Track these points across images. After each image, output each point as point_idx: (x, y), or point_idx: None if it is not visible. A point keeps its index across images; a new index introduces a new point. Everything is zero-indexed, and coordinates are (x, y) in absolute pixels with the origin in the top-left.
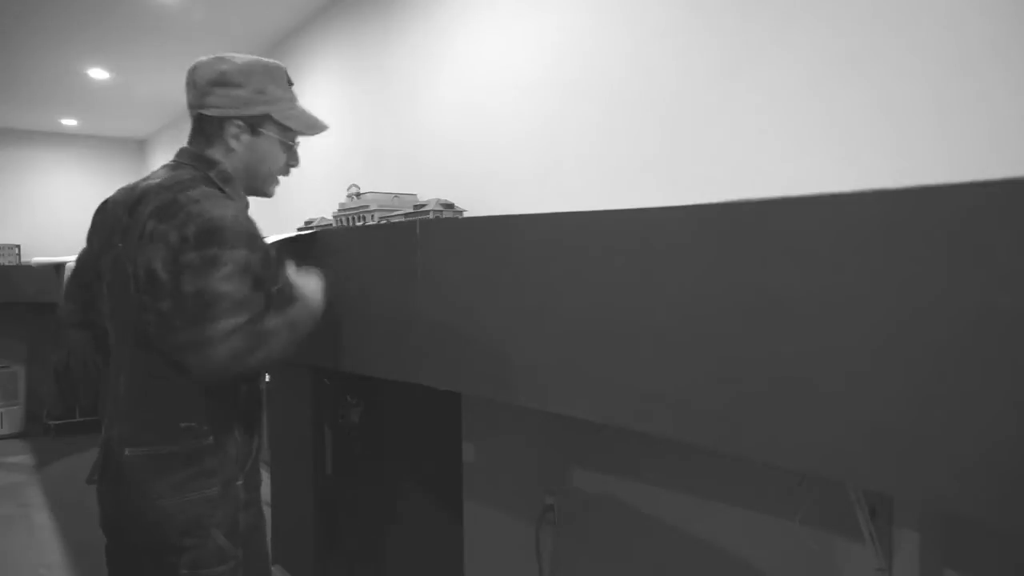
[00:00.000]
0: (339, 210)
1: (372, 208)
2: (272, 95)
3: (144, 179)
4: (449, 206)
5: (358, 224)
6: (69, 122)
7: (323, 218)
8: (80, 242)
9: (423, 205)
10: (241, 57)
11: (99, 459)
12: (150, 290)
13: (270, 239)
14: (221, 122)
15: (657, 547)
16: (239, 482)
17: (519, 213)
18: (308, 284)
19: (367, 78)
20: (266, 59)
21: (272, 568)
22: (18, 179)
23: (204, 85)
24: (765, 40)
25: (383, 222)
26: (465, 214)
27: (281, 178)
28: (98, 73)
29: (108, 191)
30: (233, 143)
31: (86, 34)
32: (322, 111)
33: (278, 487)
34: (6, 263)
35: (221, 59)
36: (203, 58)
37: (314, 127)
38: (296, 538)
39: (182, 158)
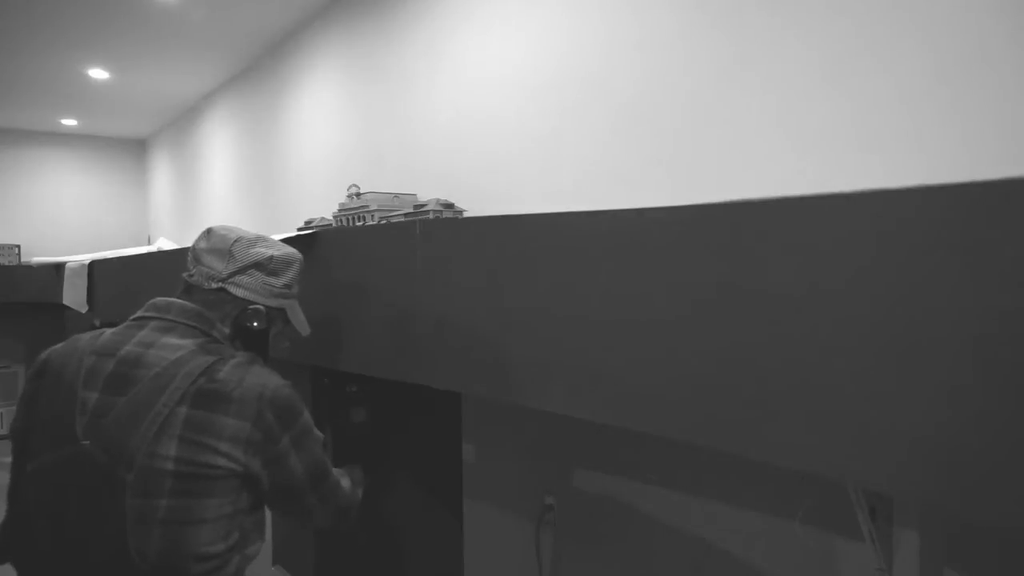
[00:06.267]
0: (339, 210)
1: (372, 208)
2: (294, 292)
3: (108, 342)
4: (449, 206)
5: (358, 224)
6: (69, 122)
7: (323, 218)
8: (79, 241)
9: (423, 205)
10: (279, 244)
11: None
12: (184, 488)
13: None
14: (241, 303)
15: (657, 547)
16: None
17: (519, 213)
18: None
19: (367, 78)
20: (295, 250)
21: (272, 568)
22: (18, 179)
23: (244, 263)
24: (768, 40)
25: (383, 222)
26: (465, 214)
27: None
28: (98, 73)
29: (108, 191)
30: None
31: (86, 34)
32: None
33: None
34: (6, 263)
35: (263, 240)
36: (241, 232)
37: (304, 330)
38: (296, 538)
39: (179, 317)
